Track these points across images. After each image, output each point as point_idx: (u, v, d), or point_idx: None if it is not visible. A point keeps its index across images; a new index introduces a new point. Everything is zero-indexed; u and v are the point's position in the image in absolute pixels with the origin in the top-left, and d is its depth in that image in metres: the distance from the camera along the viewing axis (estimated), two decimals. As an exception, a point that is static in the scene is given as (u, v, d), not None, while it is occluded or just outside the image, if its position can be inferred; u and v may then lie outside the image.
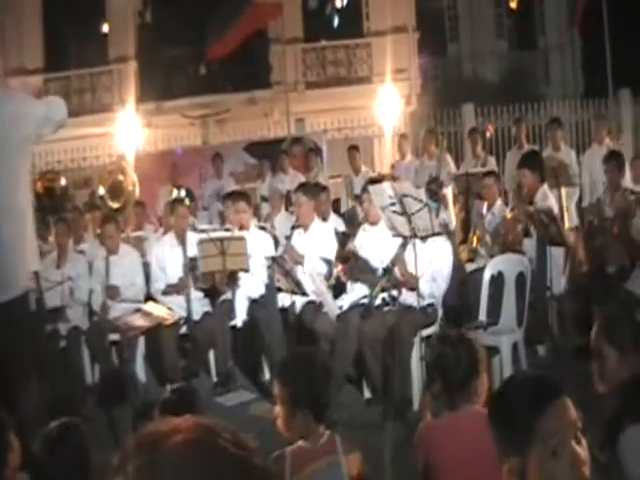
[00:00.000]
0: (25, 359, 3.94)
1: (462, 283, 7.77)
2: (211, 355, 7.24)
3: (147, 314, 6.28)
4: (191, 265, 7.29)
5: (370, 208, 6.92)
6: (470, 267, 8.10)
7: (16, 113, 3.91)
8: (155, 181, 12.45)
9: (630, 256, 7.39)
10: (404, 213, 6.23)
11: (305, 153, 12.36)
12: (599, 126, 11.61)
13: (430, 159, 11.91)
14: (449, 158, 12.18)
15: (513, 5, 23.42)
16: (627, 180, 10.08)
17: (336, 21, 21.03)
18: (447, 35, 22.70)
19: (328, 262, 7.22)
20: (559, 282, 8.11)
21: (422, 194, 6.46)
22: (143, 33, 19.01)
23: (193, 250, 7.24)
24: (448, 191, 11.05)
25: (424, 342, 6.54)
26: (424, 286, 6.45)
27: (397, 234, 6.50)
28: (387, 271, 6.64)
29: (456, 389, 3.51)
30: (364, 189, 7.11)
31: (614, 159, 8.47)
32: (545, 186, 8.48)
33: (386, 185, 6.50)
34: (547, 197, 8.33)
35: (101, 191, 12.39)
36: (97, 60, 18.94)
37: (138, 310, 6.53)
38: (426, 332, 6.59)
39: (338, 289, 7.12)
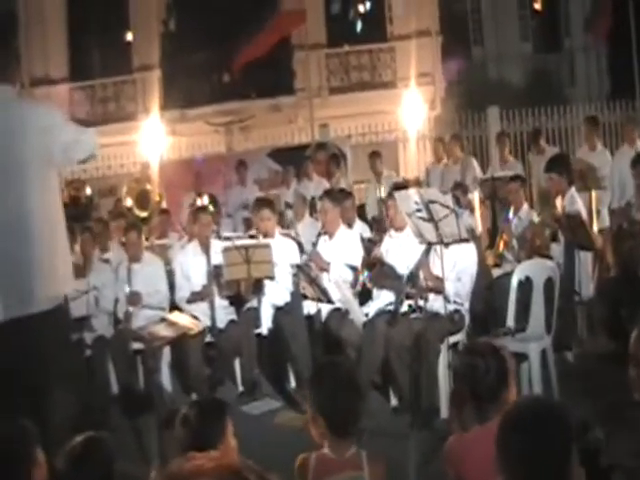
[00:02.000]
0: (52, 373, 3.92)
1: (489, 288, 7.70)
2: (237, 363, 7.20)
3: (172, 324, 6.28)
4: (216, 273, 7.27)
5: (396, 214, 6.88)
6: (497, 272, 8.02)
7: (39, 124, 3.88)
8: (179, 189, 12.50)
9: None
10: (431, 219, 6.19)
11: (327, 159, 12.34)
12: (629, 127, 11.47)
13: (455, 164, 11.84)
14: (474, 162, 12.11)
15: (537, 7, 23.31)
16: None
17: (359, 26, 21.01)
18: (471, 38, 22.62)
19: (354, 269, 7.17)
20: (588, 287, 8.03)
21: (449, 200, 6.40)
22: (167, 41, 19.13)
23: (218, 258, 7.22)
24: (474, 196, 10.98)
25: (451, 349, 6.50)
26: (449, 286, 6.43)
27: (423, 240, 6.45)
28: (412, 277, 6.59)
29: (485, 400, 3.46)
30: (389, 195, 7.07)
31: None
32: (573, 189, 8.39)
33: (412, 191, 6.47)
34: (575, 201, 8.25)
35: (129, 202, 12.53)
36: (121, 69, 19.10)
37: (163, 320, 6.52)
38: (453, 339, 6.55)
39: (364, 296, 7.07)
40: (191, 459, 1.28)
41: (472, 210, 10.15)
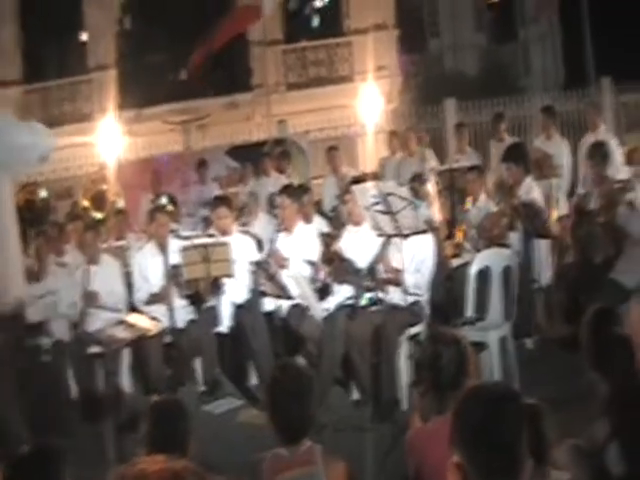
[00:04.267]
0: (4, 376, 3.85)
1: (448, 279, 7.75)
2: (197, 363, 7.16)
3: (130, 326, 6.23)
4: (174, 273, 7.21)
5: (354, 208, 6.90)
6: (456, 262, 8.06)
7: None
8: (137, 189, 12.40)
9: (616, 245, 7.35)
10: (389, 212, 6.22)
11: (282, 154, 12.32)
12: (592, 114, 11.59)
13: (411, 156, 11.89)
14: (431, 154, 12.16)
15: (492, -1, 23.46)
16: (618, 167, 10.09)
17: (316, 21, 20.99)
18: (427, 31, 22.67)
19: (313, 264, 7.17)
20: (546, 274, 8.12)
21: (406, 192, 6.43)
22: (122, 40, 18.96)
23: (176, 257, 7.16)
24: (431, 187, 11.03)
25: (411, 341, 6.54)
26: (408, 278, 6.48)
27: (382, 233, 6.47)
28: (371, 270, 6.60)
29: (446, 390, 3.49)
30: (347, 189, 7.08)
31: (598, 151, 8.46)
32: (529, 178, 8.48)
33: (370, 184, 6.50)
34: (532, 189, 8.34)
35: (84, 202, 12.44)
36: (77, 69, 18.90)
37: (121, 322, 6.47)
38: (413, 330, 6.60)
39: (324, 291, 7.07)
40: (137, 462, 1.26)
41: (430, 201, 10.22)
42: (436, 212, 9.90)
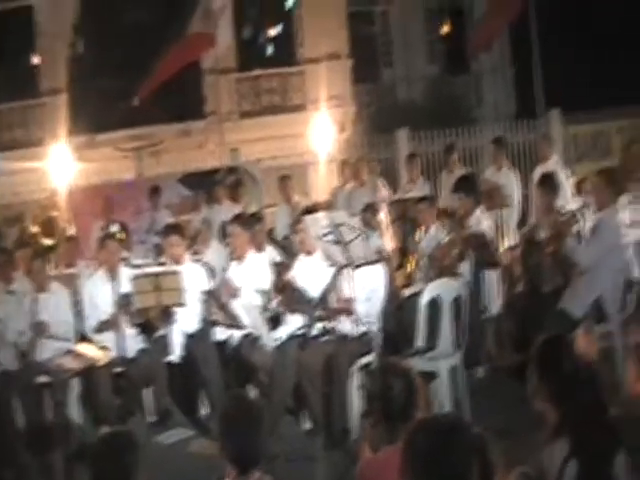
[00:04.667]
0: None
1: (399, 308, 7.83)
2: (148, 393, 7.13)
3: (79, 355, 6.19)
4: (125, 301, 7.19)
5: (305, 238, 6.97)
6: (407, 292, 8.15)
7: None
8: (89, 216, 12.32)
9: (564, 275, 7.51)
10: (340, 242, 6.29)
11: (237, 183, 12.38)
12: (542, 146, 11.85)
13: (362, 186, 12.02)
14: (382, 184, 12.29)
15: (445, 30, 23.79)
16: (567, 197, 10.31)
17: (270, 49, 21.12)
18: (380, 61, 22.92)
19: (264, 293, 7.20)
20: (495, 303, 8.26)
21: (357, 222, 6.52)
22: (75, 65, 18.84)
23: (127, 286, 7.14)
24: (383, 216, 11.15)
25: (362, 370, 6.59)
26: (359, 307, 6.57)
27: (333, 263, 6.54)
28: (322, 300, 6.68)
29: (396, 421, 3.55)
30: (298, 219, 7.15)
31: (547, 182, 8.65)
32: (479, 209, 8.63)
33: (321, 215, 6.58)
34: (482, 220, 8.50)
35: (33, 228, 12.33)
36: (28, 93, 18.71)
37: (70, 351, 6.42)
38: (364, 360, 6.65)
39: (275, 320, 7.10)
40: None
41: (382, 231, 10.33)
42: (388, 242, 10.04)
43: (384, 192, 11.98)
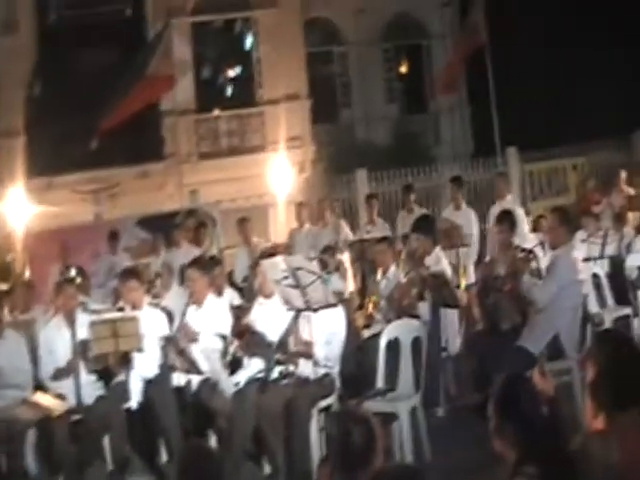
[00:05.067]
0: None
1: (359, 350, 7.88)
2: (106, 440, 7.06)
3: (34, 405, 6.11)
4: (83, 347, 7.15)
5: (264, 282, 7.01)
6: (367, 333, 8.21)
7: None
8: (46, 260, 12.23)
9: (522, 313, 7.61)
10: (298, 286, 6.34)
11: (197, 225, 12.38)
12: (499, 184, 12.03)
13: (324, 227, 12.09)
14: (344, 224, 12.39)
15: (403, 69, 24.12)
16: (524, 235, 10.45)
17: (229, 90, 21.24)
18: (339, 101, 23.15)
19: (224, 338, 7.20)
20: (455, 343, 8.34)
21: (315, 266, 6.58)
22: (32, 106, 18.76)
23: (85, 332, 7.10)
24: (344, 257, 11.22)
25: (323, 413, 6.62)
26: (319, 350, 6.59)
27: (292, 307, 6.58)
28: (281, 343, 6.71)
29: (356, 467, 3.55)
30: (257, 262, 7.18)
31: (505, 219, 8.78)
32: (438, 249, 8.74)
33: (279, 259, 6.62)
34: (440, 260, 8.61)
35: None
36: (-17, 135, 18.61)
37: (25, 401, 6.34)
38: (324, 403, 6.67)
39: (235, 365, 7.11)
40: None
41: (344, 272, 10.40)
42: (351, 283, 10.12)
43: (346, 232, 12.06)
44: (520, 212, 11.34)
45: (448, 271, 8.56)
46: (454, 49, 19.64)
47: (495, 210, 11.11)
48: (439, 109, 23.52)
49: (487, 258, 10.75)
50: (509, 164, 17.05)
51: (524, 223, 11.10)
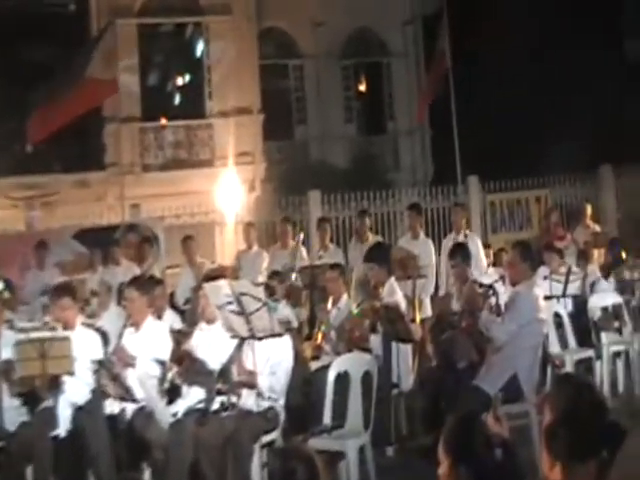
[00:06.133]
0: None
1: (306, 382, 7.87)
2: (29, 471, 6.94)
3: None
4: (6, 368, 7.02)
5: (206, 306, 6.99)
6: (315, 365, 8.22)
7: None
8: (-29, 271, 12.02)
9: (479, 351, 7.68)
10: (242, 313, 6.33)
11: (138, 242, 12.29)
12: (456, 215, 12.10)
13: (283, 249, 12.09)
14: (304, 249, 12.38)
15: (362, 88, 24.29)
16: (483, 269, 10.56)
17: (177, 99, 21.20)
18: (294, 117, 23.23)
19: (162, 364, 7.15)
20: (407, 379, 8.35)
21: (261, 292, 6.57)
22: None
23: (9, 351, 6.96)
24: (299, 283, 11.24)
25: (266, 449, 6.60)
26: (263, 381, 6.61)
27: (235, 335, 6.56)
28: (224, 372, 6.70)
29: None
30: (200, 285, 7.16)
31: (460, 252, 8.86)
32: (392, 280, 8.78)
33: (222, 283, 6.60)
34: (394, 291, 8.64)
35: None
36: None
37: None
38: (268, 438, 6.65)
39: (173, 393, 7.06)
40: None
41: (297, 299, 10.42)
42: (302, 310, 10.13)
43: (304, 256, 12.10)
44: (478, 244, 11.47)
45: (403, 303, 8.60)
46: (428, 77, 19.97)
47: (448, 242, 11.24)
48: (398, 131, 23.74)
49: (442, 291, 10.90)
50: (470, 193, 17.25)
51: (482, 256, 11.23)
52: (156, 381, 6.98)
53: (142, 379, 6.82)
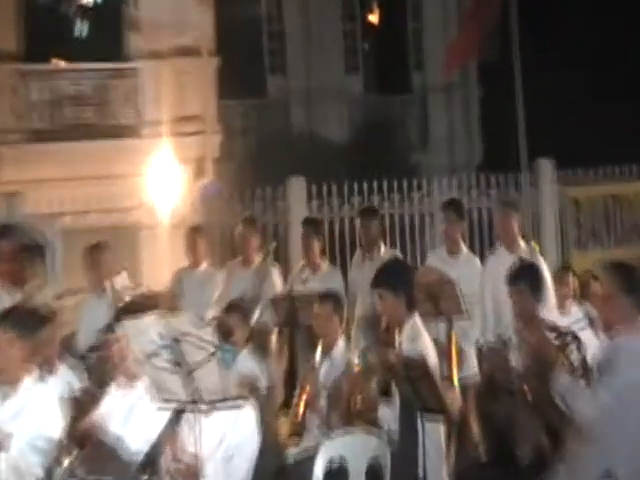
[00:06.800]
0: None
1: (281, 473, 8.01)
2: None
3: None
4: None
5: (124, 355, 6.99)
6: (295, 449, 8.30)
7: None
8: None
9: (551, 434, 7.64)
10: (180, 365, 6.32)
11: (16, 252, 12.22)
12: (507, 218, 12.02)
13: (246, 267, 12.19)
14: (276, 270, 12.36)
15: (373, 19, 24.55)
16: (550, 304, 10.51)
17: (81, 30, 21.05)
18: (267, 63, 23.50)
19: (51, 445, 7.10)
20: (439, 472, 8.29)
21: (210, 333, 6.52)
22: None
23: None
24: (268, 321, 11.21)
25: None
26: (213, 471, 6.73)
27: (168, 399, 6.54)
28: (150, 457, 6.71)
29: None
30: (115, 322, 7.11)
31: (524, 276, 8.81)
32: (416, 317, 8.72)
33: (151, 319, 6.52)
34: (418, 335, 8.57)
35: None
36: None
37: None
38: None
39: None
40: None
41: (267, 345, 10.38)
42: (275, 363, 10.10)
43: (276, 283, 12.15)
44: (544, 265, 11.42)
45: (432, 355, 8.54)
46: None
47: (499, 261, 11.22)
48: (429, 88, 23.86)
49: (487, 335, 10.87)
50: (540, 186, 17.26)
51: (549, 283, 11.16)
52: (41, 472, 6.92)
53: (18, 468, 6.76)
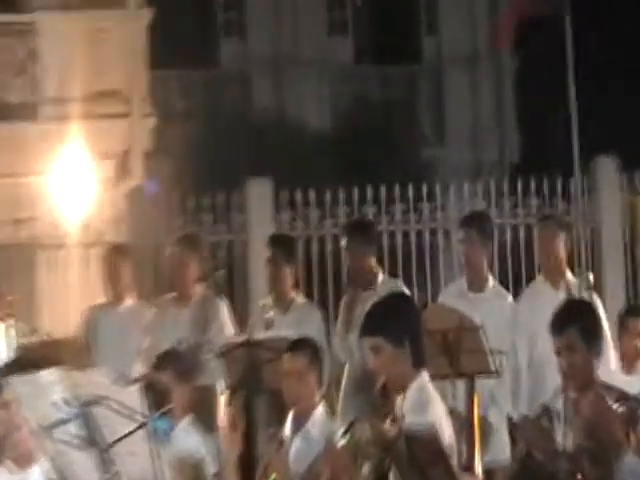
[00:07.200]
0: None
1: None
2: None
3: None
4: None
5: (14, 427, 7.02)
6: None
7: None
8: None
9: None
10: (92, 440, 6.27)
11: None
12: (550, 236, 12.09)
13: (183, 304, 12.26)
14: (223, 305, 12.42)
15: None
16: (609, 360, 10.56)
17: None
18: (219, 20, 23.81)
19: None
20: None
21: (135, 396, 6.51)
22: None
23: None
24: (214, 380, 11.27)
25: None
26: None
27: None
28: None
29: None
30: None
31: (577, 318, 8.81)
32: (424, 376, 8.75)
33: (53, 376, 6.50)
34: (428, 402, 8.60)
35: None
36: None
37: None
38: None
39: None
40: None
41: (214, 414, 10.40)
42: (226, 441, 10.11)
43: (225, 323, 12.24)
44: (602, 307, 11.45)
45: (447, 429, 8.58)
46: None
47: (544, 298, 11.25)
48: (446, 59, 24.03)
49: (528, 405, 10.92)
50: (600, 193, 17.33)
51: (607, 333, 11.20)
52: None
53: None
